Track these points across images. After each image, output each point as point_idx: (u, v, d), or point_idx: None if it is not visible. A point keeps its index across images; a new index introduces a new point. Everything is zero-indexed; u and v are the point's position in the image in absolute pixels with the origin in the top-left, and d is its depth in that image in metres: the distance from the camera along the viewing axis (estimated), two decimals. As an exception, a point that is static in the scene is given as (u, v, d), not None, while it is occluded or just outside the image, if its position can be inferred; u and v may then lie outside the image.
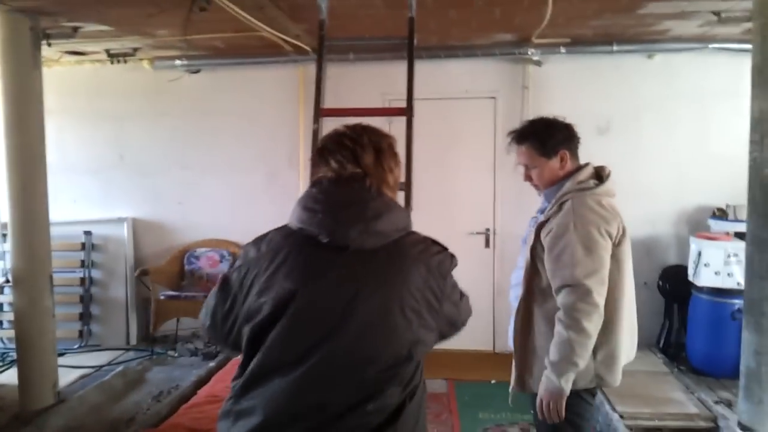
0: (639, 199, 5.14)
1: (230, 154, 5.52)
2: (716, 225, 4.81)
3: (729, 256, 4.40)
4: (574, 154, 2.24)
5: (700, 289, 4.52)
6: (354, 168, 1.46)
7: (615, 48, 4.76)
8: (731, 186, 5.01)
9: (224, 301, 1.46)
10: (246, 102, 5.48)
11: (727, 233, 4.65)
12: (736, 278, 4.36)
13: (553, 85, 5.14)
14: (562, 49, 4.81)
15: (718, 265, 4.42)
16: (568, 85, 5.14)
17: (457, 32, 4.51)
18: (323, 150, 1.51)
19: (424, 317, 1.40)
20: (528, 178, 2.29)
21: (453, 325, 1.54)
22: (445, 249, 1.50)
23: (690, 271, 4.61)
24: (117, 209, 5.64)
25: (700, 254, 4.49)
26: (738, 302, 4.40)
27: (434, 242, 1.50)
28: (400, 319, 1.36)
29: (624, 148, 5.14)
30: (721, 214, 4.84)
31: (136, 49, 5.10)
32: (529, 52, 4.84)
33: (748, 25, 4.20)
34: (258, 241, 1.47)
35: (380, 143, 1.52)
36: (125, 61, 5.23)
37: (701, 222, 5.01)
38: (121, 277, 5.49)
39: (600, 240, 2.05)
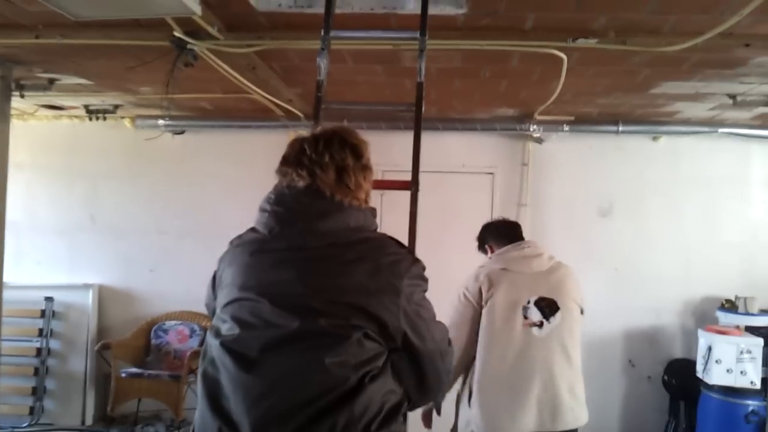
0: (643, 287, 4.87)
1: (210, 220, 5.17)
2: (725, 317, 4.51)
3: (742, 352, 4.10)
4: (500, 243, 2.80)
5: (711, 388, 4.19)
6: (305, 183, 1.47)
7: (621, 128, 4.57)
8: (740, 276, 4.77)
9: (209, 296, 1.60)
10: (231, 166, 5.18)
11: (737, 327, 4.35)
12: (750, 377, 4.05)
13: (553, 163, 4.92)
14: (565, 127, 4.61)
15: (730, 362, 4.10)
16: (570, 163, 4.93)
17: (458, 104, 4.29)
18: (285, 160, 1.53)
19: (369, 310, 1.37)
20: None
21: (418, 334, 1.46)
22: (405, 251, 1.51)
23: (699, 367, 4.27)
24: (83, 274, 5.23)
25: (710, 349, 4.17)
26: (752, 403, 4.09)
27: (397, 244, 1.51)
28: (338, 308, 1.36)
29: (627, 232, 4.90)
30: (730, 305, 4.55)
31: (116, 107, 4.82)
32: (531, 129, 4.62)
33: (761, 110, 4.04)
34: (230, 243, 1.57)
35: (345, 160, 1.50)
36: (104, 118, 4.94)
37: (708, 313, 4.72)
38: (82, 350, 5.02)
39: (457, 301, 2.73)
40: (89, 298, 5.08)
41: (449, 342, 1.60)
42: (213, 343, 1.42)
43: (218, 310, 1.48)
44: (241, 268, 1.46)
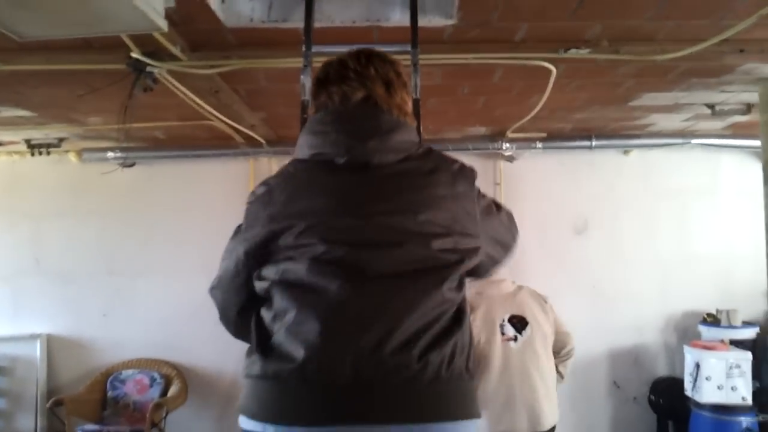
0: (623, 305, 4.77)
1: (167, 257, 4.82)
2: (708, 332, 4.44)
3: (731, 367, 4.01)
4: None
5: (702, 406, 4.06)
6: (361, 92, 1.42)
7: (594, 143, 4.47)
8: (716, 289, 4.71)
9: (240, 244, 1.39)
10: (187, 199, 4.86)
11: (722, 341, 4.26)
12: (741, 392, 3.96)
13: (526, 182, 4.78)
14: (538, 144, 4.48)
15: (720, 379, 4.00)
16: (542, 181, 4.81)
17: (430, 123, 4.11)
18: (324, 81, 1.46)
19: (458, 229, 1.32)
20: None
21: (500, 244, 1.49)
22: (461, 169, 1.42)
23: (687, 385, 4.16)
24: (29, 324, 4.78)
25: (698, 366, 4.06)
26: (745, 419, 3.99)
27: (454, 161, 1.43)
28: (431, 229, 1.30)
29: (603, 249, 4.80)
30: (712, 320, 4.48)
31: (61, 140, 4.45)
32: (503, 147, 4.48)
33: (735, 119, 3.99)
34: (265, 182, 1.41)
35: (388, 74, 1.45)
36: (48, 153, 4.55)
37: (690, 328, 4.64)
38: (31, 407, 4.56)
39: None
40: (37, 350, 4.63)
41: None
42: (292, 268, 1.30)
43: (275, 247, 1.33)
44: (317, 190, 1.34)
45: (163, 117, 3.77)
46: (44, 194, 4.90)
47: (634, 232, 4.81)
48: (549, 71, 2.76)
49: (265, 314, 1.33)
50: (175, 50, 2.43)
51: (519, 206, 5.04)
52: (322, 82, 1.46)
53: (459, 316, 1.31)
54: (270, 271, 1.34)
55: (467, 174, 1.40)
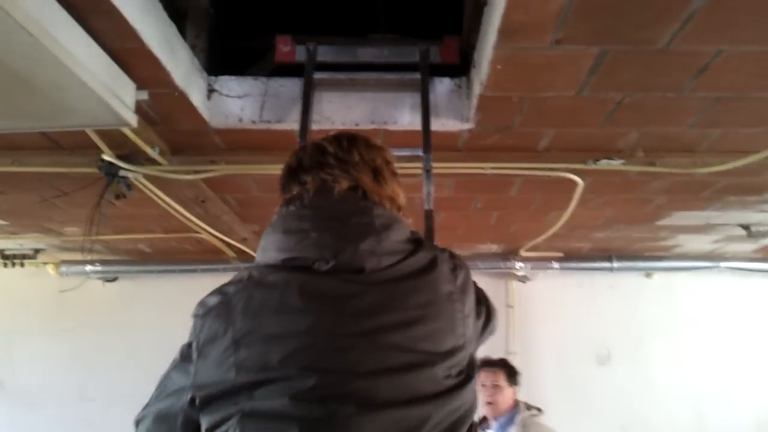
0: (655, 446, 4.22)
1: (146, 381, 4.29)
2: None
3: None
4: None
5: None
6: (345, 181, 1.17)
7: (615, 264, 4.11)
8: (759, 428, 4.19)
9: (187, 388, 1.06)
10: (173, 317, 4.33)
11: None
12: None
13: (541, 305, 4.39)
14: (555, 264, 4.13)
15: None
16: (559, 305, 4.41)
17: (438, 239, 3.76)
18: (297, 169, 1.21)
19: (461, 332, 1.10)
20: (490, 397, 2.97)
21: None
22: (455, 255, 1.21)
23: None
24: (-16, 456, 4.25)
25: None
26: None
27: (443, 249, 1.20)
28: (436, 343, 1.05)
29: (629, 381, 4.33)
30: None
31: (37, 251, 4.12)
32: (517, 266, 4.12)
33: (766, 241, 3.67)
34: (218, 290, 1.11)
35: (376, 161, 1.24)
36: (22, 265, 4.20)
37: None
38: None
39: None
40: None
41: None
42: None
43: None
44: (294, 306, 1.03)
45: (147, 228, 3.45)
46: (17, 309, 4.52)
47: (663, 362, 4.36)
48: (574, 184, 2.46)
49: None
50: (153, 152, 2.14)
51: (533, 332, 4.72)
52: (293, 171, 1.21)
53: None
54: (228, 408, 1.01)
55: (463, 264, 1.20)
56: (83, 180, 2.41)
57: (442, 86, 2.03)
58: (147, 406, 1.18)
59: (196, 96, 1.91)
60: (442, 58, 2.04)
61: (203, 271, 4.28)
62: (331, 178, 1.16)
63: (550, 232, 3.24)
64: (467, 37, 1.99)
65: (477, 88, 1.83)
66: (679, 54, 1.57)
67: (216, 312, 1.07)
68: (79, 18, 1.42)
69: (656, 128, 2.06)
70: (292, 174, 1.21)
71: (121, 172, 2.28)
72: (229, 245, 3.68)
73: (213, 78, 2.04)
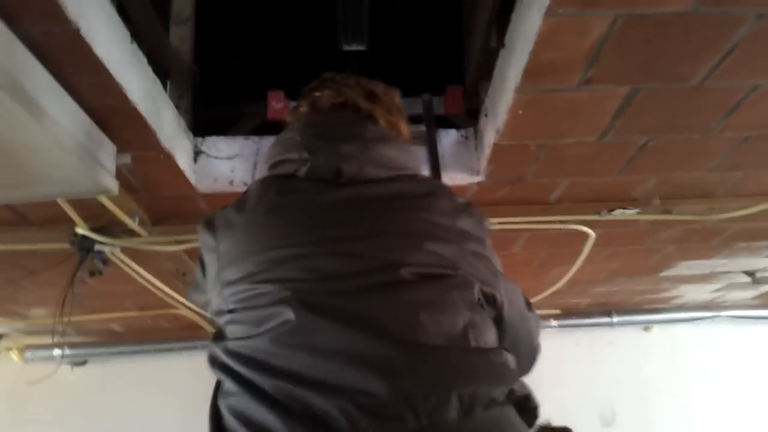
0: None
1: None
2: None
3: None
4: None
5: None
6: (337, 99, 1.16)
7: (615, 319, 3.96)
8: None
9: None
10: (148, 400, 4.09)
11: None
12: None
13: (540, 366, 4.15)
14: (553, 323, 3.96)
15: None
16: (558, 364, 4.18)
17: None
18: (296, 105, 1.23)
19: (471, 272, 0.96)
20: None
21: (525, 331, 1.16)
22: (470, 203, 1.07)
23: None
24: None
25: None
26: None
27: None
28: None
29: (637, 444, 4.10)
30: None
31: (0, 336, 3.80)
32: (513, 327, 3.93)
33: (766, 288, 3.57)
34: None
35: (374, 89, 1.19)
36: (-18, 352, 3.88)
37: None
38: None
39: None
40: None
41: None
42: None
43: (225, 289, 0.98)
44: (265, 214, 1.00)
45: (120, 306, 3.19)
46: (-25, 401, 4.13)
47: (669, 418, 4.15)
48: (584, 237, 2.31)
49: None
50: (132, 223, 1.94)
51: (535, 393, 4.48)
52: (293, 108, 1.24)
53: None
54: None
55: (475, 213, 1.06)
56: (54, 257, 2.19)
57: (447, 138, 1.89)
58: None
59: (182, 158, 1.74)
60: (446, 109, 1.92)
61: (181, 349, 3.99)
62: (320, 95, 1.15)
63: (553, 289, 3.08)
64: (473, 86, 1.88)
65: (490, 138, 1.69)
66: (713, 91, 1.46)
67: (203, 230, 1.08)
68: (55, 71, 1.25)
69: (677, 173, 1.94)
70: (292, 110, 1.23)
71: (97, 246, 2.07)
72: (208, 320, 3.43)
73: (200, 139, 1.88)
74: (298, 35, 2.71)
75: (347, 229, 0.95)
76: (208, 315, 1.27)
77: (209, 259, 1.04)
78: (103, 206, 1.77)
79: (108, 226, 2.01)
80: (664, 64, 1.35)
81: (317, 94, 1.17)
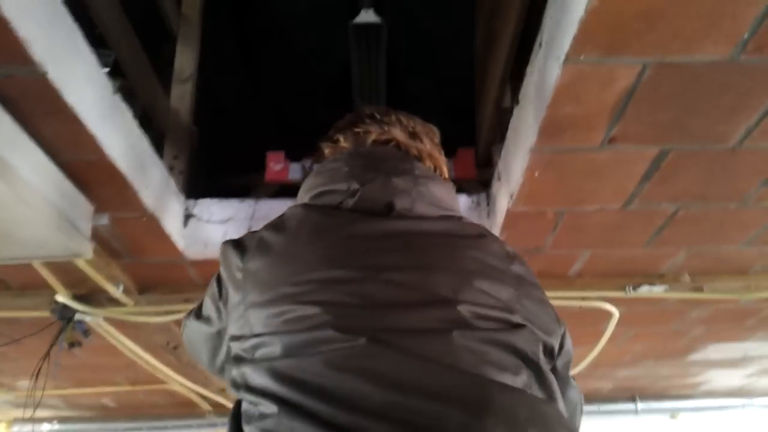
0: None
1: None
2: None
3: None
4: None
5: None
6: (380, 135, 1.10)
7: (640, 406, 3.69)
8: None
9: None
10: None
11: None
12: None
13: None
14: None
15: None
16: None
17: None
18: (333, 135, 1.15)
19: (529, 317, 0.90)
20: None
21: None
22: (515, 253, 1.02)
23: None
24: None
25: None
26: None
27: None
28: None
29: None
30: None
31: (-13, 409, 3.62)
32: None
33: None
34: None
35: (415, 127, 1.14)
36: (-34, 426, 3.68)
37: None
38: None
39: None
40: None
41: None
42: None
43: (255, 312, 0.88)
44: (314, 241, 0.93)
45: (111, 380, 3.01)
46: (-43, 479, 3.89)
47: None
48: (607, 316, 2.12)
49: None
50: (116, 291, 1.80)
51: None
52: (329, 137, 1.16)
53: None
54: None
55: (525, 262, 1.01)
56: (37, 325, 2.04)
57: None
58: None
59: (170, 222, 1.61)
60: (457, 173, 1.79)
61: (175, 428, 3.77)
62: (365, 131, 1.10)
63: (573, 372, 2.85)
64: (485, 149, 1.75)
65: (503, 203, 1.55)
66: (752, 154, 1.32)
67: (231, 249, 0.98)
68: (24, 122, 1.13)
69: (709, 247, 1.78)
70: (327, 139, 1.14)
71: (78, 316, 1.92)
72: (204, 398, 3.22)
73: (191, 201, 1.75)
74: (315, 104, 2.65)
75: (397, 260, 0.91)
76: (203, 364, 1.12)
77: (233, 281, 0.95)
78: (83, 272, 1.64)
79: (90, 294, 1.87)
80: (697, 122, 1.21)
81: (359, 130, 1.11)
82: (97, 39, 1.49)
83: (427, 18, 2.51)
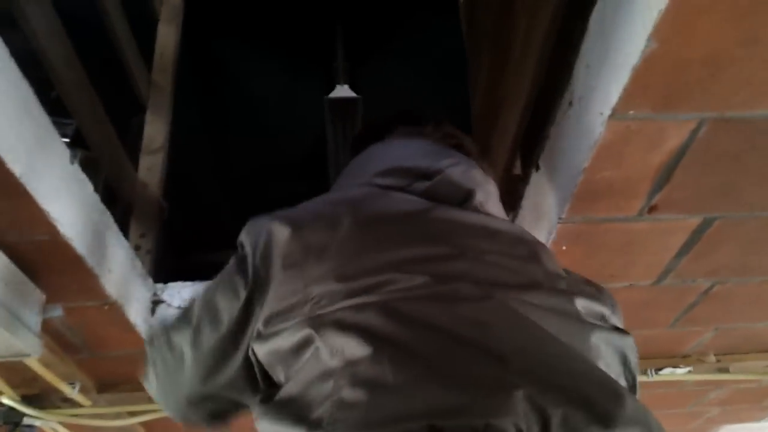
0: None
1: None
2: None
3: None
4: None
5: None
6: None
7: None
8: None
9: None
10: None
11: None
12: None
13: None
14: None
15: None
16: None
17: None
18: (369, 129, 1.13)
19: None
20: None
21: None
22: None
23: None
24: None
25: None
26: None
27: None
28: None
29: None
30: None
31: None
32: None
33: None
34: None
35: (462, 141, 1.05)
36: None
37: None
38: None
39: None
40: None
41: None
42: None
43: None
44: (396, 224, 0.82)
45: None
46: None
47: None
48: (623, 401, 1.93)
49: None
50: (72, 391, 1.55)
51: None
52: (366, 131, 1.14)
53: None
54: None
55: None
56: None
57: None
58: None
59: (134, 309, 1.39)
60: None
61: None
62: (434, 129, 1.04)
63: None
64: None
65: (520, 282, 1.37)
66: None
67: (278, 223, 0.82)
68: (-42, 196, 0.93)
69: (740, 325, 1.61)
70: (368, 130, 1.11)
71: (26, 420, 1.66)
72: None
73: (160, 286, 1.54)
74: (289, 179, 2.51)
75: (490, 245, 0.82)
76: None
77: (282, 257, 0.77)
78: (35, 373, 1.40)
79: (42, 394, 1.62)
80: (749, 186, 1.06)
81: (412, 129, 1.05)
82: (54, 103, 1.31)
83: (416, 96, 2.42)
